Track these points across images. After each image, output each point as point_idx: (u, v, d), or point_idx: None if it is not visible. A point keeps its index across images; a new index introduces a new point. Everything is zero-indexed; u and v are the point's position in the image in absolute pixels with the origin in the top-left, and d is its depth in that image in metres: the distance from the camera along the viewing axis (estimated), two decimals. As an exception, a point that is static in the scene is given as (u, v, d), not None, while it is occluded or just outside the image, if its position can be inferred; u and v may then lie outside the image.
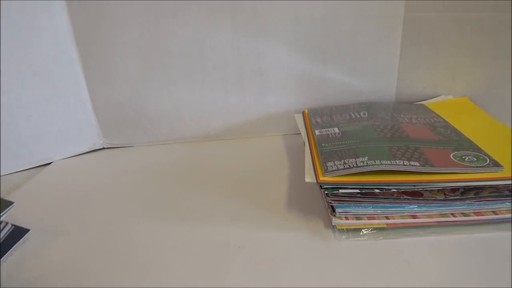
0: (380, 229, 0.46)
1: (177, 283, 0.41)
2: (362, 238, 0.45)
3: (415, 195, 0.47)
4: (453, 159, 0.48)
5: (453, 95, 0.71)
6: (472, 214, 0.45)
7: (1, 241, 0.43)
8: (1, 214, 0.43)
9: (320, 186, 0.47)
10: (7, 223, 0.47)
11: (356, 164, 0.47)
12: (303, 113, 0.69)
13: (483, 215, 0.45)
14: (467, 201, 0.46)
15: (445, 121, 0.59)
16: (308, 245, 0.45)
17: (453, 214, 0.46)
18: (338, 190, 0.46)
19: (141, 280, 0.42)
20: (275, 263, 0.42)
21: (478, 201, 0.46)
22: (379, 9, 0.65)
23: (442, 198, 0.46)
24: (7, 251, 0.45)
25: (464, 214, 0.45)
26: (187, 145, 0.74)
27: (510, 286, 0.37)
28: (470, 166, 0.46)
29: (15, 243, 0.47)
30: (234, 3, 0.64)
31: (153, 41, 0.66)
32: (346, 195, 0.46)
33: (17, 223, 0.50)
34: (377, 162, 0.46)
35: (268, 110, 0.73)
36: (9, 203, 0.45)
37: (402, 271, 0.40)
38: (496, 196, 0.46)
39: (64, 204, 0.57)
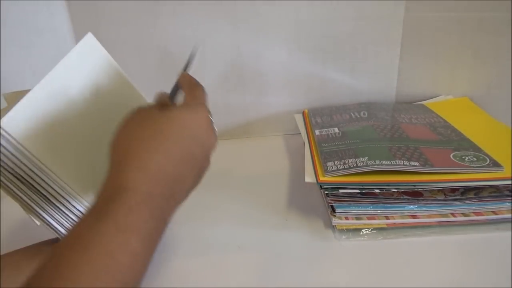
0: (380, 229, 0.46)
1: (176, 282, 0.41)
2: (362, 238, 0.45)
3: (415, 195, 0.47)
4: (453, 159, 0.48)
5: (453, 95, 0.71)
6: (472, 214, 0.45)
7: None
8: None
9: (320, 186, 0.47)
10: None
11: (356, 164, 0.47)
12: (303, 113, 0.69)
13: (483, 215, 0.45)
14: (467, 201, 0.46)
15: (445, 121, 0.59)
16: (308, 245, 0.45)
17: (453, 214, 0.46)
18: (338, 190, 0.46)
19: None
20: (275, 263, 0.42)
21: (478, 201, 0.46)
22: (379, 9, 0.65)
23: (442, 198, 0.46)
24: None
25: (464, 214, 0.45)
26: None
27: (510, 286, 0.37)
28: (470, 166, 0.46)
29: None
30: (234, 3, 0.64)
31: (153, 41, 0.66)
32: (346, 195, 0.46)
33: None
34: (377, 162, 0.46)
35: (268, 110, 0.73)
36: None
37: (402, 271, 0.40)
38: (496, 196, 0.46)
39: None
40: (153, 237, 0.26)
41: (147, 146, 0.29)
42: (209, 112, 0.34)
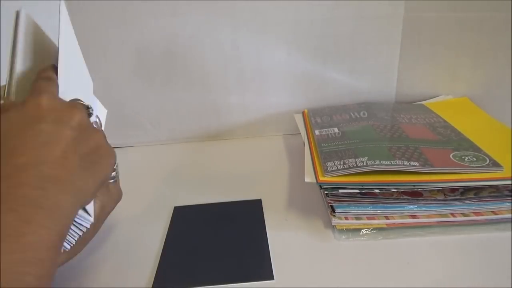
0: (379, 229, 0.46)
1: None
2: (362, 238, 0.45)
3: (414, 195, 0.47)
4: (453, 159, 0.48)
5: (453, 95, 0.71)
6: (472, 214, 0.45)
7: None
8: None
9: (320, 186, 0.47)
10: None
11: (356, 164, 0.47)
12: (303, 113, 0.69)
13: (482, 215, 0.45)
14: (467, 201, 0.46)
15: (444, 121, 0.59)
16: (308, 245, 0.45)
17: (452, 214, 0.46)
18: (338, 190, 0.46)
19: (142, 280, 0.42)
20: (275, 263, 0.42)
21: (477, 201, 0.46)
22: (379, 9, 0.65)
23: (442, 198, 0.46)
24: None
25: (464, 214, 0.46)
26: (187, 145, 0.74)
27: (510, 286, 0.37)
28: (470, 166, 0.46)
29: None
30: (234, 3, 0.64)
31: (153, 41, 0.67)
32: (346, 195, 0.46)
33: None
34: (377, 162, 0.46)
35: (268, 110, 0.73)
36: None
37: (402, 271, 0.40)
38: (495, 196, 0.46)
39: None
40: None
41: None
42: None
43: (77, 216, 0.37)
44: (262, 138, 0.74)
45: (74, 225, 0.37)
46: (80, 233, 0.38)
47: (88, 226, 0.38)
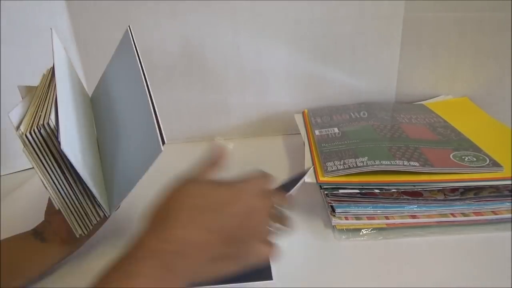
0: (380, 229, 0.46)
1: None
2: (362, 238, 0.45)
3: (415, 195, 0.47)
4: (453, 159, 0.48)
5: (453, 95, 0.71)
6: (472, 214, 0.45)
7: None
8: None
9: (320, 186, 0.47)
10: None
11: (356, 164, 0.47)
12: (303, 113, 0.69)
13: (482, 215, 0.45)
14: (467, 201, 0.46)
15: (445, 121, 0.59)
16: (308, 245, 0.45)
17: (452, 214, 0.46)
18: (338, 190, 0.46)
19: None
20: (274, 263, 0.42)
21: (477, 201, 0.46)
22: (379, 9, 0.65)
23: (442, 198, 0.46)
24: None
25: (464, 214, 0.46)
26: (187, 145, 0.74)
27: (510, 286, 0.37)
28: (470, 166, 0.46)
29: None
30: (234, 3, 0.64)
31: (153, 41, 0.67)
32: (346, 195, 0.46)
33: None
34: (377, 162, 0.46)
35: (268, 110, 0.73)
36: None
37: (402, 271, 0.40)
38: (495, 196, 0.46)
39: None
40: (160, 283, 0.28)
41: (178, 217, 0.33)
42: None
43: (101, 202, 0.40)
44: (262, 138, 0.74)
45: (98, 206, 0.41)
46: (98, 219, 0.41)
47: (107, 215, 0.42)
